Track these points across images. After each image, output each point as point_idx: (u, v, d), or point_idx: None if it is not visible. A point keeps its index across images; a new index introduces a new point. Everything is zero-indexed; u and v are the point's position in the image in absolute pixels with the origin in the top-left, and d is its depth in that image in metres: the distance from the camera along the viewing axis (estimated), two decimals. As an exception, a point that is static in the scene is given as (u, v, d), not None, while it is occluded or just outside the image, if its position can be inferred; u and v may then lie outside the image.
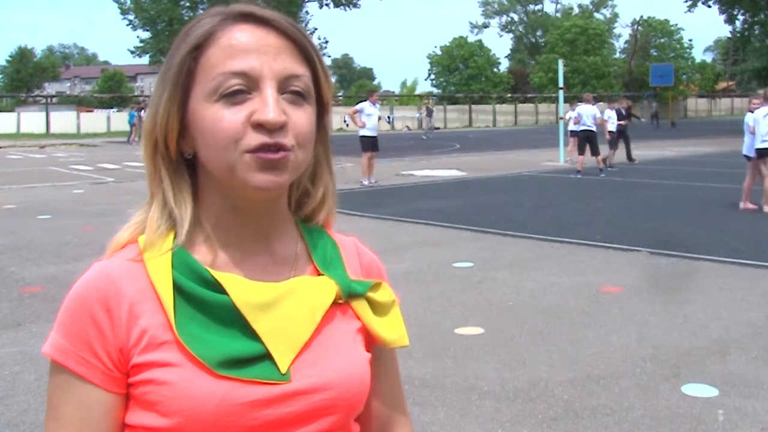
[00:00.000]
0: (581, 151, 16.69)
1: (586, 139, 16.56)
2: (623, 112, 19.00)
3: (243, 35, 0.89)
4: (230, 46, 0.88)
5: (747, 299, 6.03)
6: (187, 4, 41.82)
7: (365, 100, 15.15)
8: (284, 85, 0.88)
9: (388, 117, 49.20)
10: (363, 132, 14.63)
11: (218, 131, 0.87)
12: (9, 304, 6.07)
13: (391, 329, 0.99)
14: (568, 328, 5.35)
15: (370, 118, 14.68)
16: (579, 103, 18.05)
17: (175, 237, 0.92)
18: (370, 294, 0.98)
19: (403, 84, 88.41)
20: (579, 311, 5.75)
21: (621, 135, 18.53)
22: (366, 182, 14.63)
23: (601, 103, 19.47)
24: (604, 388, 4.22)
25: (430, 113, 41.11)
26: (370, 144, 14.67)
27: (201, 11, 43.15)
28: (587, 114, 16.91)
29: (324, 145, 1.00)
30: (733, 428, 3.73)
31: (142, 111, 33.48)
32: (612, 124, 17.89)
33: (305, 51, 0.92)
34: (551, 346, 4.97)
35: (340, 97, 61.10)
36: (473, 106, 55.61)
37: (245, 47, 0.88)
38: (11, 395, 4.16)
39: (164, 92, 0.91)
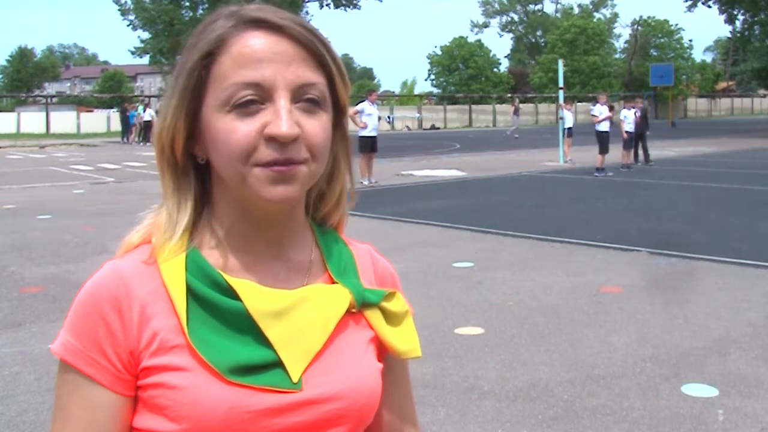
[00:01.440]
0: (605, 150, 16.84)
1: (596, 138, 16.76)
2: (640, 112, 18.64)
3: (255, 42, 0.87)
4: (242, 55, 0.87)
5: (747, 299, 6.03)
6: (187, 4, 41.78)
7: (364, 100, 15.08)
8: (298, 94, 0.87)
9: (388, 117, 49.17)
10: (364, 132, 14.53)
11: (231, 143, 0.86)
12: (9, 304, 6.07)
13: (404, 340, 0.98)
14: (568, 328, 5.35)
15: (370, 118, 14.60)
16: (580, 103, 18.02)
17: (189, 239, 0.92)
18: (384, 303, 0.97)
19: (404, 84, 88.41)
20: (579, 311, 5.75)
21: (642, 137, 18.32)
22: (366, 182, 14.61)
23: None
24: (604, 388, 4.22)
25: (517, 112, 41.13)
26: (369, 144, 14.61)
27: (201, 12, 43.09)
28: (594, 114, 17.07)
29: (342, 146, 0.99)
30: (733, 428, 3.73)
31: (145, 109, 33.51)
32: (629, 125, 17.56)
33: (319, 57, 0.90)
34: (551, 346, 4.97)
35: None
36: (473, 106, 55.62)
37: (257, 56, 0.86)
38: (11, 395, 4.16)
39: (173, 98, 0.90)
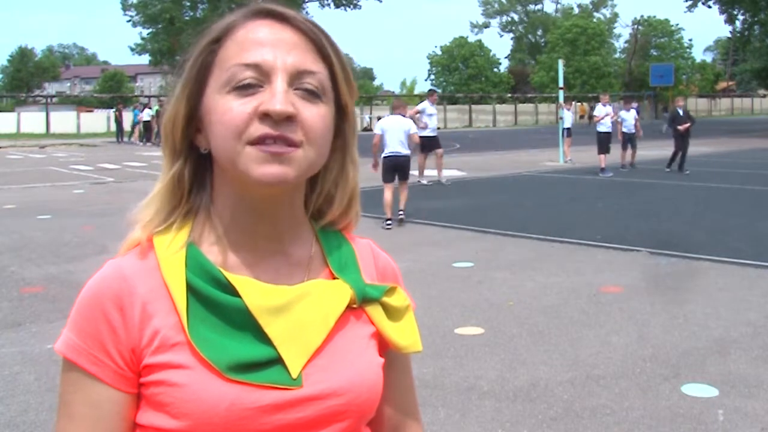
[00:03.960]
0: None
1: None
2: (680, 112, 17.04)
3: (259, 29, 0.89)
4: (246, 39, 0.89)
5: (747, 299, 6.03)
6: (188, 4, 41.78)
7: (425, 100, 14.88)
8: (297, 81, 0.88)
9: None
10: (424, 133, 14.08)
11: (225, 121, 0.87)
12: (9, 304, 6.07)
13: (405, 334, 0.98)
14: (568, 328, 5.35)
15: (431, 119, 14.42)
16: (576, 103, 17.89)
17: (189, 234, 0.92)
18: (385, 299, 0.97)
19: (403, 84, 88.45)
20: (579, 311, 5.75)
21: (681, 138, 16.69)
22: (424, 181, 14.44)
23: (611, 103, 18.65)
24: (604, 388, 4.22)
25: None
26: (430, 144, 14.34)
27: (201, 11, 42.96)
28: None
29: (348, 148, 0.98)
30: (733, 428, 3.73)
31: (144, 109, 33.55)
32: (627, 126, 17.28)
33: (322, 49, 0.91)
34: (551, 346, 4.97)
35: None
36: (473, 106, 55.58)
37: (260, 41, 0.88)
38: (11, 395, 4.16)
39: (179, 84, 0.92)
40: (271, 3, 0.92)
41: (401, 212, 9.92)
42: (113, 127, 41.28)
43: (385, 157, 9.87)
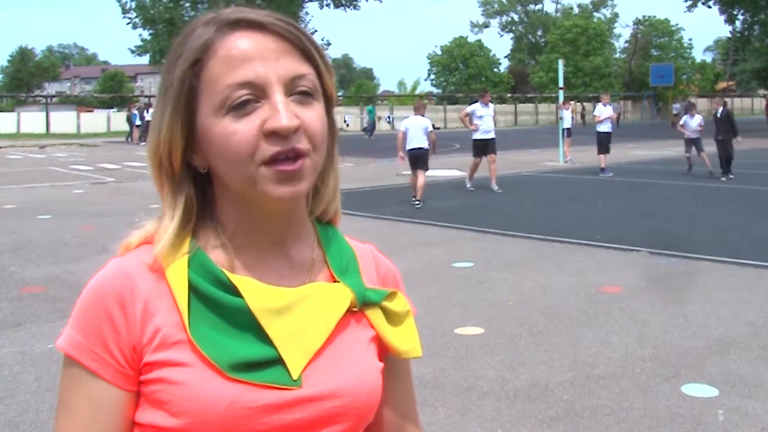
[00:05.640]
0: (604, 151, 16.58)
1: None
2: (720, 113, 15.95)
3: (242, 43, 0.87)
4: (231, 57, 0.87)
5: (747, 299, 6.03)
6: (188, 4, 41.77)
7: (476, 101, 14.21)
8: (291, 87, 0.87)
9: (388, 117, 49.27)
10: (476, 135, 13.75)
11: (232, 145, 0.86)
12: (9, 304, 6.07)
13: (405, 339, 0.99)
14: (568, 328, 5.35)
15: (482, 120, 13.74)
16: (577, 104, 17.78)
17: (193, 241, 0.92)
18: (385, 303, 0.98)
19: (401, 84, 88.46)
20: (579, 311, 5.75)
21: (721, 143, 15.95)
22: (469, 185, 13.83)
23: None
24: (604, 388, 4.23)
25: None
26: (483, 147, 13.77)
27: (202, 12, 42.83)
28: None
29: (334, 135, 0.99)
30: (733, 428, 3.73)
31: (146, 111, 33.54)
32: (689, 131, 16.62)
33: (305, 49, 0.91)
34: (551, 346, 4.97)
35: (340, 98, 61.02)
36: (473, 106, 55.48)
37: (246, 55, 0.87)
38: (11, 395, 4.16)
39: (166, 111, 0.90)
40: (241, 9, 0.90)
41: (416, 200, 11.68)
42: (113, 127, 41.39)
43: (408, 150, 11.77)
